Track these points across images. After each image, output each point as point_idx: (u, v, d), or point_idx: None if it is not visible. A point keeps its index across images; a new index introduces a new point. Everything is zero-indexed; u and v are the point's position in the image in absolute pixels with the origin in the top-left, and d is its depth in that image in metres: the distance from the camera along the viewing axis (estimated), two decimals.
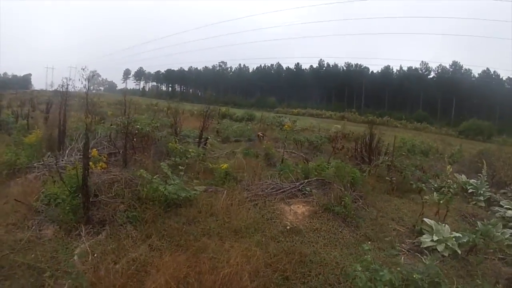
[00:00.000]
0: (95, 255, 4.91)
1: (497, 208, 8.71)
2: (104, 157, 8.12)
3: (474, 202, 9.19)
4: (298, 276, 4.73)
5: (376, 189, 8.97)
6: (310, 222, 6.55)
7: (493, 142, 36.12)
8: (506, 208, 8.39)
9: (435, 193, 8.54)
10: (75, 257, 4.86)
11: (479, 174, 10.26)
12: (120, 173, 7.17)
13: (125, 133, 8.51)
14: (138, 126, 9.67)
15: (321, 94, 77.84)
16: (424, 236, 6.13)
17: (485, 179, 9.98)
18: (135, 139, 9.31)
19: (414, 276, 4.05)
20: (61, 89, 10.06)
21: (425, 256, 5.46)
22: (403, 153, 13.20)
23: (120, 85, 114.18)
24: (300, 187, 7.97)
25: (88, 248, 5.09)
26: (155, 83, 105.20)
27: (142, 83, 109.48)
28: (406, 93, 68.46)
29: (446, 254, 5.63)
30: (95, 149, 8.38)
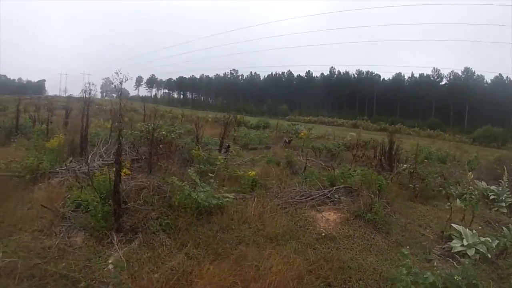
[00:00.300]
0: (131, 264, 4.68)
1: None
2: (128, 163, 7.91)
3: (496, 208, 9.07)
4: (339, 282, 4.71)
5: (400, 196, 8.85)
6: (343, 229, 6.53)
7: (507, 148, 35.59)
8: None
9: (457, 199, 8.57)
10: (110, 266, 4.63)
11: (500, 181, 10.08)
12: (147, 180, 6.99)
13: (150, 139, 8.29)
14: (163, 133, 9.45)
15: (332, 101, 77.42)
16: (454, 241, 6.12)
17: (506, 185, 9.76)
18: (160, 146, 9.12)
19: (455, 277, 4.15)
20: (83, 94, 9.91)
21: (457, 261, 5.51)
22: (425, 160, 13.03)
23: (132, 92, 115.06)
24: (329, 194, 7.88)
25: (122, 257, 4.87)
26: (166, 91, 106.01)
27: (154, 90, 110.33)
28: (418, 100, 67.54)
29: (476, 258, 5.62)
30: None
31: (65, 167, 8.01)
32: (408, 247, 5.63)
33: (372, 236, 6.31)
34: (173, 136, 9.91)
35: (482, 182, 10.63)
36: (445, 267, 5.28)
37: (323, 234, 6.14)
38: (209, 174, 7.79)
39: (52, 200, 6.26)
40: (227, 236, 5.73)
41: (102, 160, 8.54)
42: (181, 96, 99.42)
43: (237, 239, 5.70)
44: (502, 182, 9.87)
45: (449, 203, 7.82)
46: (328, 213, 7.14)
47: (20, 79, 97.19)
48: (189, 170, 7.49)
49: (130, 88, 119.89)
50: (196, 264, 4.83)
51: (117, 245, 5.20)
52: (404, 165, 11.63)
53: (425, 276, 4.01)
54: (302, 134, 21.32)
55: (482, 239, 5.96)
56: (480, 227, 7.27)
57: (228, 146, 12.10)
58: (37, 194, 6.66)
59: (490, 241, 5.88)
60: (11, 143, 10.76)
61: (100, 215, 5.39)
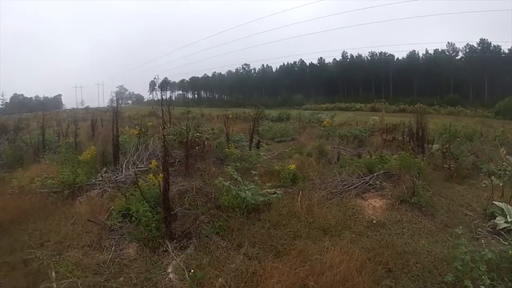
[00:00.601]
0: (192, 270, 4.48)
1: None
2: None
3: None
4: (399, 267, 4.70)
5: (436, 177, 8.76)
6: (390, 214, 6.50)
7: None
8: None
9: (492, 176, 8.08)
10: (170, 275, 4.50)
11: None
12: (188, 183, 6.82)
13: (185, 142, 8.11)
14: (198, 134, 9.28)
15: (348, 86, 75.95)
16: (497, 218, 6.05)
17: None
18: (197, 148, 8.96)
19: (510, 252, 4.17)
20: (111, 104, 9.84)
21: (503, 237, 5.48)
22: (457, 139, 12.59)
23: (147, 97, 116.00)
24: (370, 181, 7.80)
25: (181, 264, 4.72)
26: (181, 92, 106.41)
27: (168, 93, 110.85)
28: (435, 77, 65.45)
29: None
30: (154, 160, 8.03)
31: (100, 178, 7.88)
32: (454, 227, 5.62)
33: (419, 220, 6.27)
34: (207, 137, 9.66)
35: None
36: (492, 244, 5.22)
37: (374, 222, 6.12)
38: (252, 171, 7.72)
39: (95, 213, 6.15)
40: (280, 232, 5.65)
41: (136, 168, 8.38)
42: (195, 95, 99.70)
43: (291, 234, 5.62)
44: None
45: (484, 181, 7.72)
46: (373, 200, 7.09)
47: (37, 96, 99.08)
48: (229, 169, 7.27)
49: (144, 92, 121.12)
50: (257, 263, 4.72)
51: (173, 252, 5.03)
52: (435, 146, 11.53)
53: (483, 253, 4.06)
54: (325, 122, 20.97)
55: None
56: None
57: (259, 142, 11.81)
58: (79, 208, 6.53)
59: None
60: (40, 159, 10.67)
61: (153, 224, 5.20)
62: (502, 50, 64.02)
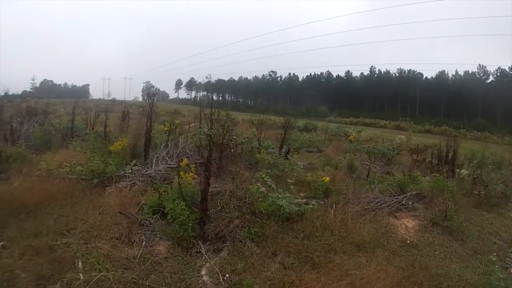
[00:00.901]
0: (227, 275, 4.40)
1: None
2: (193, 167, 7.58)
3: None
4: (432, 287, 4.74)
5: (466, 203, 8.55)
6: (423, 236, 6.52)
7: None
8: None
9: None
10: (204, 278, 4.35)
11: None
12: (221, 185, 6.65)
13: (221, 143, 7.97)
14: (234, 137, 9.14)
15: (373, 102, 75.09)
16: None
17: None
18: (232, 150, 8.81)
19: None
20: (145, 98, 9.84)
21: None
22: (489, 166, 12.40)
23: (172, 95, 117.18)
24: (403, 201, 7.75)
25: (215, 267, 4.57)
26: (205, 93, 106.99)
27: (193, 93, 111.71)
28: (463, 99, 63.75)
29: None
30: (185, 158, 7.87)
31: (130, 171, 7.76)
32: (483, 254, 5.88)
33: (451, 244, 6.29)
34: (242, 141, 9.52)
35: None
36: None
37: (407, 242, 6.14)
38: (288, 180, 7.68)
39: (124, 205, 5.98)
40: (314, 244, 5.58)
41: (166, 164, 8.25)
42: (220, 98, 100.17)
43: (326, 247, 5.56)
44: None
45: None
46: (406, 220, 7.12)
47: (66, 84, 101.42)
48: (262, 175, 7.05)
49: (170, 91, 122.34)
50: (293, 273, 4.65)
51: (206, 254, 4.88)
52: (463, 171, 11.35)
53: None
54: (351, 137, 20.76)
55: None
56: None
57: (289, 150, 11.61)
58: (108, 198, 6.35)
59: None
60: (68, 145, 10.66)
61: (190, 224, 5.00)
62: None
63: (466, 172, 11.24)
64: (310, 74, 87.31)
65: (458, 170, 11.22)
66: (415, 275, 4.90)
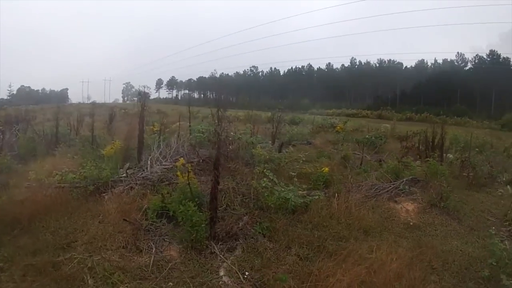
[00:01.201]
0: (247, 272, 4.37)
1: None
2: (189, 166, 7.39)
3: None
4: (440, 264, 5.06)
5: (456, 185, 9.04)
6: (423, 217, 6.89)
7: None
8: None
9: (508, 186, 9.27)
10: (224, 278, 4.27)
11: None
12: (224, 183, 6.47)
13: (218, 140, 7.81)
14: (232, 134, 9.02)
15: (355, 93, 75.77)
16: None
17: None
18: (230, 147, 8.67)
19: None
20: (137, 99, 9.65)
21: None
22: (476, 149, 12.93)
23: (153, 95, 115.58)
24: (400, 186, 8.10)
25: (233, 267, 4.50)
26: (187, 91, 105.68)
27: (174, 92, 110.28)
28: (442, 87, 65.28)
29: None
30: (181, 158, 7.65)
31: (125, 174, 7.51)
32: (479, 231, 6.39)
33: (449, 223, 6.68)
34: (239, 137, 9.41)
35: None
36: None
37: (410, 224, 6.52)
38: (291, 173, 7.95)
39: (125, 211, 5.72)
40: (324, 234, 5.72)
41: (161, 165, 8.02)
42: (202, 96, 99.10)
43: (335, 235, 5.74)
44: None
45: (500, 190, 8.82)
46: (406, 204, 7.43)
47: (43, 89, 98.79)
48: (264, 170, 7.05)
49: (151, 90, 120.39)
50: (310, 264, 4.75)
51: (221, 254, 4.77)
52: (449, 155, 12.12)
53: None
54: (338, 128, 20.90)
55: None
56: None
57: (282, 143, 11.57)
58: (107, 205, 6.08)
59: None
60: (55, 152, 10.32)
61: (203, 225, 4.85)
62: (511, 62, 63.62)
63: (452, 156, 11.95)
64: (292, 67, 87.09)
65: (445, 155, 11.72)
66: (423, 254, 5.16)
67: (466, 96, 62.62)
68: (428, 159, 9.87)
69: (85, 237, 5.14)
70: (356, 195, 7.43)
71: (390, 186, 8.12)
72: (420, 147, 12.75)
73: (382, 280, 4.20)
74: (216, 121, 6.64)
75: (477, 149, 13.04)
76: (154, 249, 4.82)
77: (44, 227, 5.47)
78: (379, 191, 7.90)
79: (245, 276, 4.22)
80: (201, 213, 4.90)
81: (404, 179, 8.46)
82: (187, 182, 5.52)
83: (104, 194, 6.74)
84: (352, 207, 6.66)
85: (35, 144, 11.37)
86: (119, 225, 5.37)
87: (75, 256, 4.49)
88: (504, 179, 10.18)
